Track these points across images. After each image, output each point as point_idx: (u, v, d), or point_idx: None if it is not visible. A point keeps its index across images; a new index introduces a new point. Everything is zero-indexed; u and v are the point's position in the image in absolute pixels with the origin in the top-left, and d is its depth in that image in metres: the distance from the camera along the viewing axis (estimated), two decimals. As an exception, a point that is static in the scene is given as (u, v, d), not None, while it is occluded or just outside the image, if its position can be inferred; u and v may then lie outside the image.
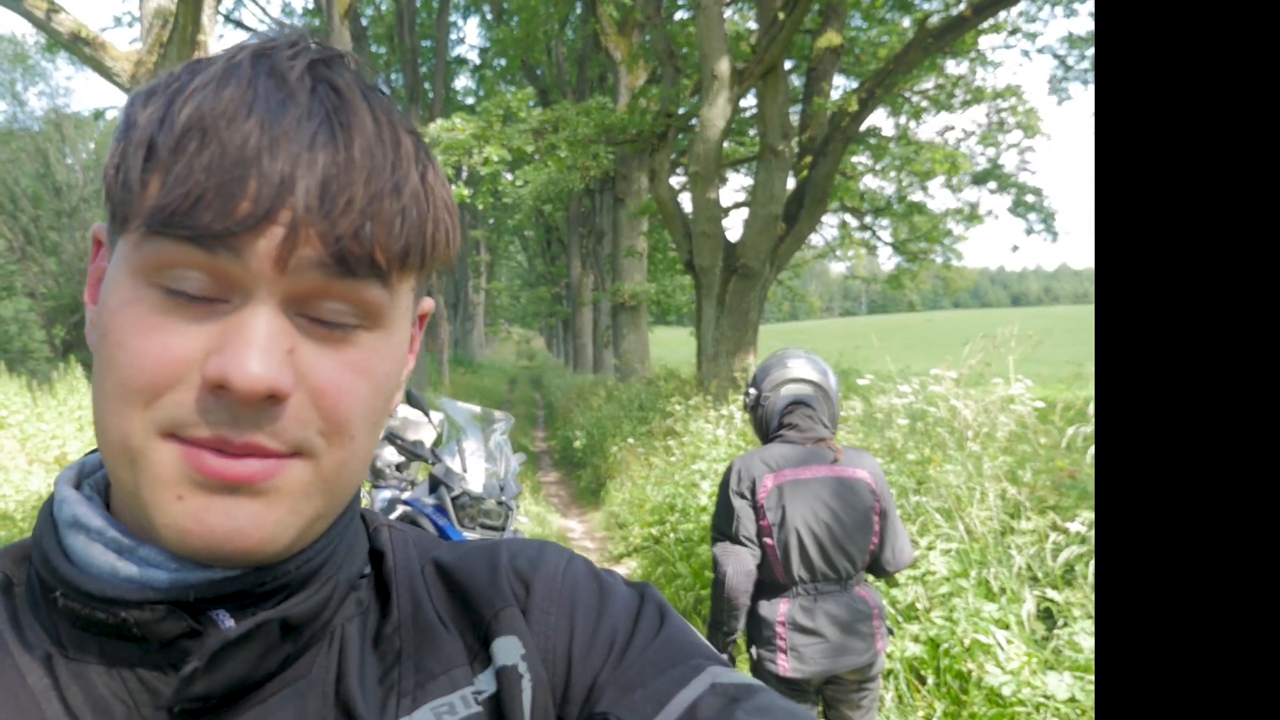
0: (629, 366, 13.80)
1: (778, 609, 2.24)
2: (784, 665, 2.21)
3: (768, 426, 2.41)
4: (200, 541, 0.41)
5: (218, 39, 6.91)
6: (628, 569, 6.51)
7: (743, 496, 2.25)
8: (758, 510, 2.25)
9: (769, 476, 2.25)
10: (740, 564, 2.20)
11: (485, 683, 0.50)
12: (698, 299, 9.47)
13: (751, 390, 2.44)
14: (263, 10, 21.04)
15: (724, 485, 2.31)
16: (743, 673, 0.50)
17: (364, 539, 0.53)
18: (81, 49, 6.75)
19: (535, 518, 7.55)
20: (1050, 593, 3.10)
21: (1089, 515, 3.28)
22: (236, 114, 0.39)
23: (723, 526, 2.27)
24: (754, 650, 2.29)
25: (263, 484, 0.41)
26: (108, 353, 0.41)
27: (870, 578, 2.46)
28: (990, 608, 3.06)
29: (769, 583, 2.27)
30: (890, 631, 2.36)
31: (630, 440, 8.52)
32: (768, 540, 2.24)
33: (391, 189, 0.41)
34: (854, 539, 2.25)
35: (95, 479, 0.49)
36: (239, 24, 20.60)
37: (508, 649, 0.50)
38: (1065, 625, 3.00)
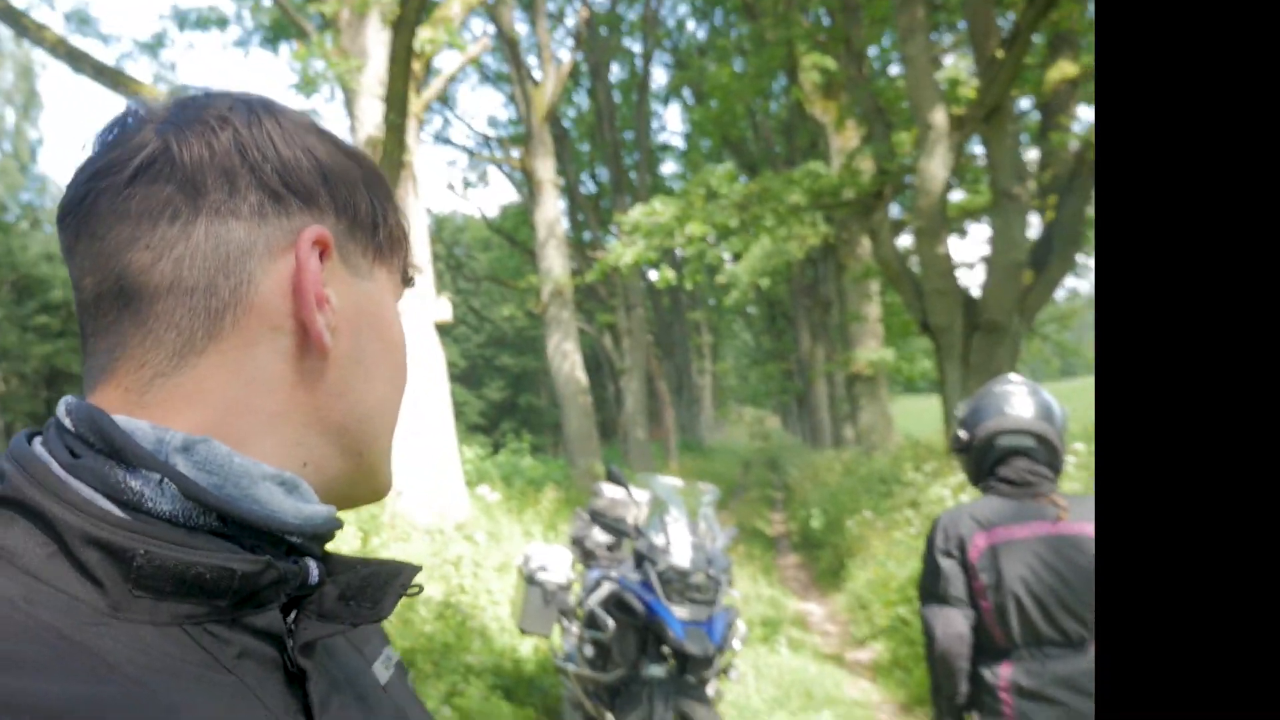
0: (869, 440, 13.06)
1: (999, 673, 2.02)
2: None
3: (978, 473, 2.17)
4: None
5: (419, 157, 7.58)
6: (873, 652, 5.95)
7: (949, 555, 2.07)
8: (968, 570, 2.04)
9: (980, 535, 2.05)
10: (950, 626, 2.04)
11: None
12: (939, 361, 8.80)
13: (962, 434, 2.19)
14: (468, 126, 23.05)
15: (929, 543, 2.12)
16: None
17: None
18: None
19: (769, 601, 7.17)
20: None
21: None
22: None
23: (930, 587, 2.11)
24: (979, 718, 2.09)
25: None
26: (388, 353, 0.57)
27: None
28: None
29: (989, 645, 2.05)
30: None
31: (868, 515, 7.93)
32: (983, 602, 2.03)
33: None
34: (1084, 600, 1.97)
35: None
36: (447, 140, 22.50)
37: None
38: None
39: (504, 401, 36.37)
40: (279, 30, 11.59)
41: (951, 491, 6.24)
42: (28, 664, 0.38)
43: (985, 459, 2.13)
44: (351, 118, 6.98)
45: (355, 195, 0.55)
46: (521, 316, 29.46)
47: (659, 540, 3.48)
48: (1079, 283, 33.54)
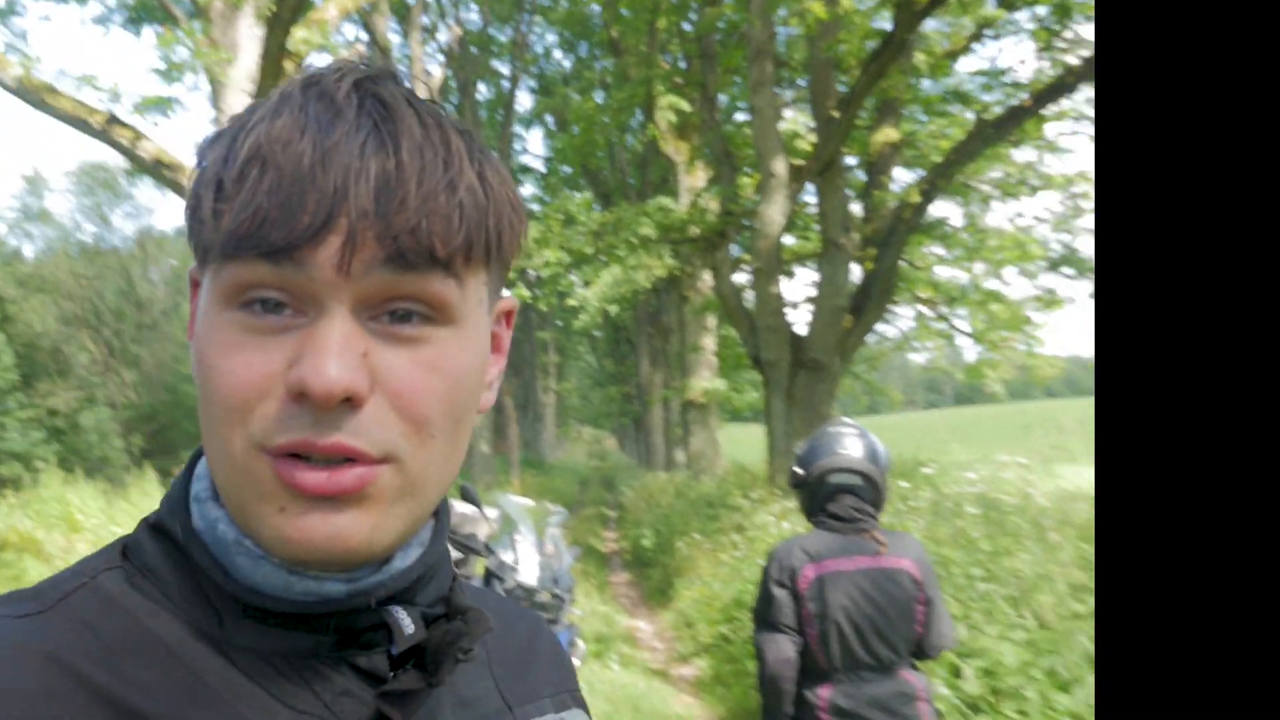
0: (699, 465, 13.65)
1: (820, 694, 2.22)
2: None
3: (811, 507, 2.39)
4: (302, 548, 0.43)
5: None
6: (696, 669, 6.29)
7: (782, 585, 2.25)
8: (798, 599, 2.24)
9: (809, 566, 2.25)
10: (779, 651, 2.21)
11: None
12: (766, 394, 9.40)
13: (798, 470, 2.41)
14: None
15: (765, 573, 2.31)
16: None
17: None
18: (164, 173, 7.32)
19: (602, 618, 7.38)
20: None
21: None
22: (291, 138, 0.42)
23: (763, 614, 2.28)
24: None
25: (355, 494, 0.42)
26: (205, 378, 0.44)
27: (915, 661, 2.40)
28: (1063, 699, 2.85)
29: (812, 668, 2.25)
30: (939, 713, 2.30)
31: (697, 536, 8.36)
32: (809, 629, 2.23)
33: (445, 185, 0.43)
34: (896, 628, 2.22)
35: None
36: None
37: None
38: None
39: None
40: (145, 12, 10.87)
41: (775, 518, 6.69)
42: (127, 675, 0.42)
43: (818, 495, 2.33)
44: (218, 110, 6.77)
45: (191, 205, 0.45)
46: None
47: (508, 558, 3.61)
48: (886, 328, 36.31)
